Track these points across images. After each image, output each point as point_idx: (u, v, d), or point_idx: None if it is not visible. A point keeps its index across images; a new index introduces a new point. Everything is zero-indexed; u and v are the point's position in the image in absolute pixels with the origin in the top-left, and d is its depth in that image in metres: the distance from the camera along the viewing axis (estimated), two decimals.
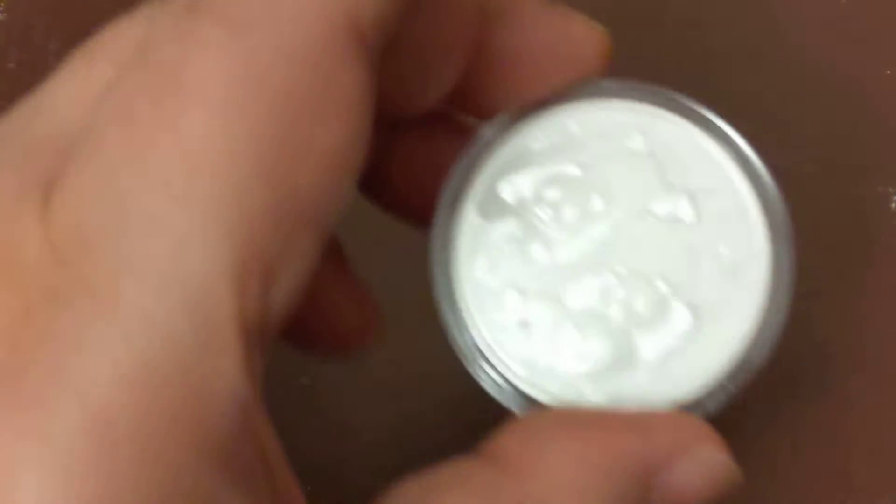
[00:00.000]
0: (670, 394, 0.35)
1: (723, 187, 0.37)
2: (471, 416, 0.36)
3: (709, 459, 0.32)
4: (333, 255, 0.37)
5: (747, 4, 0.50)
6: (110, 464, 0.21)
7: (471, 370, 0.36)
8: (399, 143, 0.39)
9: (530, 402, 0.35)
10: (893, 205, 0.48)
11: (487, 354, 0.36)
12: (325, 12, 0.26)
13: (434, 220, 0.36)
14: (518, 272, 0.36)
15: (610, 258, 0.36)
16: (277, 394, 0.28)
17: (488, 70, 0.36)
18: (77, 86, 0.27)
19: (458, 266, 0.36)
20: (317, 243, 0.27)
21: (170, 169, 0.24)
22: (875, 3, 0.49)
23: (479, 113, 0.37)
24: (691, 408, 0.35)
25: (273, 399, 0.27)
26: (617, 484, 0.29)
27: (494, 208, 0.37)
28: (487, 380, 0.35)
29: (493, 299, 0.36)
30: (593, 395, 0.35)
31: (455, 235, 0.36)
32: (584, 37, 0.37)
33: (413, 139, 0.39)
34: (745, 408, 0.38)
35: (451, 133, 0.39)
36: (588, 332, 0.36)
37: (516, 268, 0.36)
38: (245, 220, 0.24)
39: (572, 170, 0.37)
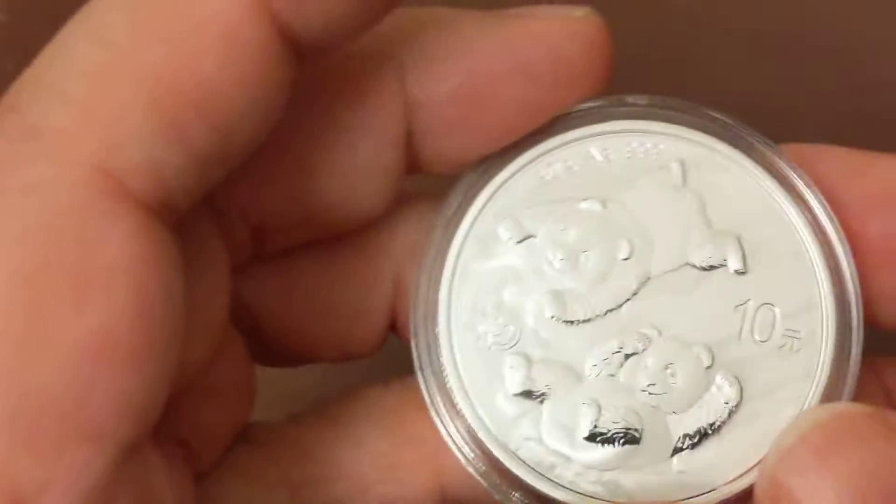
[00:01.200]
0: (699, 488, 0.28)
1: (778, 232, 0.30)
2: None
3: None
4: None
5: None
6: None
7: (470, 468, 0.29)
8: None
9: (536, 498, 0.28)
10: None
11: (486, 442, 0.29)
12: (73, 171, 0.23)
13: (413, 288, 0.29)
14: (522, 331, 0.29)
15: (638, 319, 0.29)
16: None
17: (436, 124, 0.29)
18: None
19: (450, 322, 0.29)
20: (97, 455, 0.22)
21: None
22: None
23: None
24: None
25: None
26: None
27: (495, 254, 0.29)
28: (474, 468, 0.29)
29: (488, 362, 0.29)
30: (604, 488, 0.28)
31: (446, 285, 0.29)
32: (556, 35, 0.28)
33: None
34: None
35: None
36: (609, 412, 0.29)
37: (519, 324, 0.29)
38: None
39: (592, 206, 0.30)
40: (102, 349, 0.22)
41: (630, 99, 0.30)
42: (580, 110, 0.30)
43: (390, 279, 0.31)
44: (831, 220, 0.29)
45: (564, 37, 0.28)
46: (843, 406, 0.28)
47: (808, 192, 0.30)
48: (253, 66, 0.24)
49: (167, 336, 0.23)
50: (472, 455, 0.29)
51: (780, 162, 0.30)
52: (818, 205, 0.29)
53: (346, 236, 0.30)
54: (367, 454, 0.30)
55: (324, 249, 0.31)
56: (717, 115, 0.30)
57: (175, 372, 0.24)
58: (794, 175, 0.30)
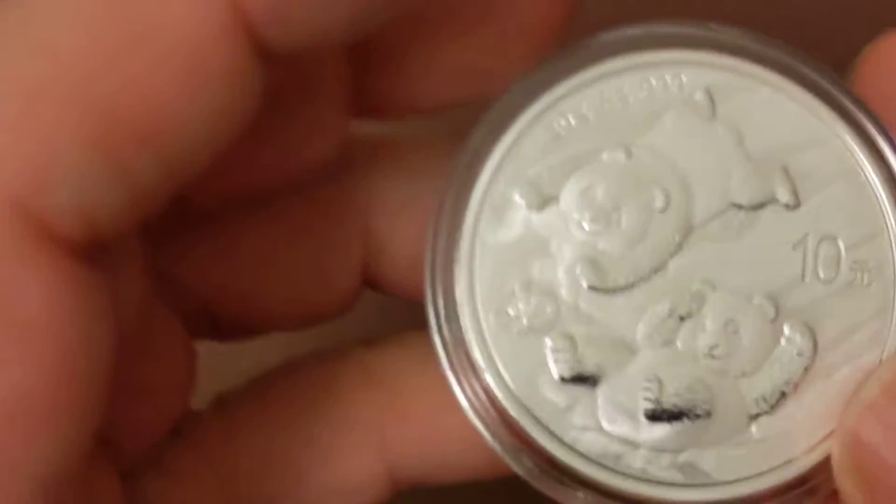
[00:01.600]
0: (785, 455, 0.25)
1: (826, 154, 0.26)
2: None
3: None
4: None
5: None
6: None
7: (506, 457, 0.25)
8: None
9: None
10: None
11: (538, 439, 0.25)
12: None
13: (426, 265, 0.25)
14: (559, 308, 0.25)
15: (687, 275, 0.25)
16: None
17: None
18: None
19: (475, 308, 0.25)
20: None
21: None
22: None
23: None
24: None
25: None
26: None
27: (516, 223, 0.26)
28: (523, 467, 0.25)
29: (525, 348, 0.25)
30: (681, 472, 0.25)
31: (463, 266, 0.25)
32: None
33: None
34: None
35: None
36: (672, 385, 0.25)
37: (555, 301, 0.25)
38: None
39: (616, 156, 0.26)
40: (17, 411, 0.20)
41: (633, 29, 0.26)
42: (581, 49, 0.26)
43: (358, 233, 0.28)
44: (881, 129, 0.26)
45: None
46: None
47: (851, 101, 0.26)
48: (220, 95, 0.21)
49: (92, 390, 0.21)
50: (526, 460, 0.25)
51: (814, 73, 0.26)
52: (864, 114, 0.26)
53: (296, 190, 0.27)
54: (302, 439, 0.27)
55: (271, 207, 0.27)
56: (732, 31, 0.27)
57: (100, 421, 0.21)
58: (833, 85, 0.26)
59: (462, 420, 0.25)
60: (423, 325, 0.26)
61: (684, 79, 0.26)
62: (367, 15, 0.22)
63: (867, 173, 0.26)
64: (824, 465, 0.25)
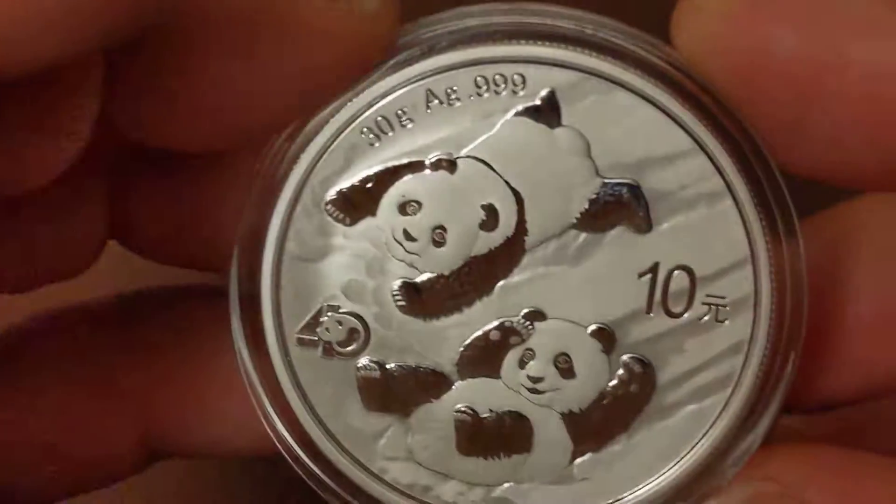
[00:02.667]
0: (608, 496, 0.24)
1: (688, 171, 0.22)
2: None
3: None
4: None
5: None
6: None
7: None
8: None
9: None
10: None
11: (345, 471, 0.24)
12: None
13: (231, 278, 0.23)
14: (371, 333, 0.23)
15: (516, 301, 0.23)
16: None
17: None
18: None
19: (280, 331, 0.23)
20: None
21: None
22: None
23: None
24: None
25: None
26: None
27: (326, 242, 0.23)
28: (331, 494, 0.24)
29: (332, 373, 0.23)
30: None
31: (266, 287, 0.23)
32: None
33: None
34: None
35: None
36: (489, 417, 0.23)
37: (366, 325, 0.23)
38: None
39: (441, 166, 0.23)
40: None
41: (470, 16, 0.22)
42: (406, 40, 0.22)
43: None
44: (756, 143, 0.22)
45: None
46: (740, 495, 0.22)
47: (722, 108, 0.22)
48: None
49: None
50: (331, 483, 0.24)
51: (684, 75, 0.22)
52: (737, 124, 0.22)
53: None
54: (48, 410, 0.25)
55: None
56: (588, 17, 0.22)
57: None
58: (704, 90, 0.22)
59: (232, 397, 0.24)
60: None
61: (525, 78, 0.22)
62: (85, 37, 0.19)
63: (736, 193, 0.22)
64: None
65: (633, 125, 0.22)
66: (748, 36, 0.22)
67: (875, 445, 0.25)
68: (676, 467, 0.23)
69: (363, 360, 0.23)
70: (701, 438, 0.23)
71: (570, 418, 0.23)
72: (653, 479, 0.23)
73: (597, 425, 0.23)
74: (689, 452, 0.23)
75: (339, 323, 0.23)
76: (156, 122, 0.22)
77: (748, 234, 0.22)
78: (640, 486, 0.23)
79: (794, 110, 0.22)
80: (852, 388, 0.25)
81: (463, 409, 0.23)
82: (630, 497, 0.23)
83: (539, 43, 0.22)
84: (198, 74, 0.21)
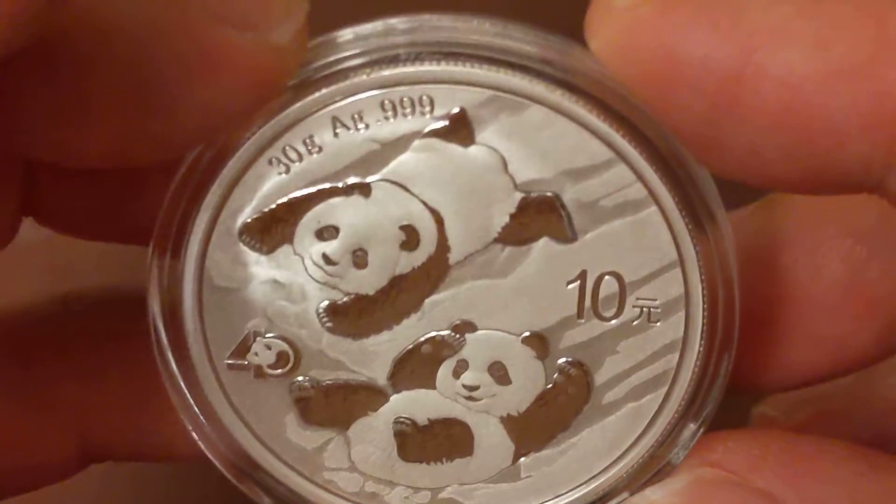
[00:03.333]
0: (553, 492, 0.24)
1: (609, 178, 0.22)
2: None
3: None
4: None
5: None
6: None
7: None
8: None
9: None
10: None
11: (290, 484, 0.24)
12: None
13: (150, 309, 0.23)
14: (302, 354, 0.23)
15: (445, 315, 0.23)
16: None
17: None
18: None
19: (209, 356, 0.23)
20: None
21: None
22: None
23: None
24: None
25: None
26: None
27: (246, 270, 0.23)
28: None
29: (266, 395, 0.23)
30: None
31: (190, 316, 0.23)
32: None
33: None
34: None
35: None
36: (427, 425, 0.23)
37: (296, 348, 0.23)
38: None
39: (354, 192, 0.22)
40: None
41: (368, 37, 0.21)
42: (310, 65, 0.21)
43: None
44: (675, 147, 0.21)
45: None
46: (683, 481, 0.22)
47: (639, 116, 0.21)
48: None
49: None
50: (276, 493, 0.24)
51: (600, 84, 0.21)
52: (655, 130, 0.21)
53: None
54: None
55: None
56: (492, 27, 0.21)
57: None
58: (616, 96, 0.21)
59: (170, 407, 0.24)
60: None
61: (434, 99, 0.21)
62: None
63: (659, 199, 0.22)
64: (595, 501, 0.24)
65: (548, 139, 0.21)
66: (659, 41, 0.20)
67: (853, 432, 0.25)
68: (619, 462, 0.23)
69: (296, 379, 0.23)
70: (641, 434, 0.23)
71: (509, 421, 0.23)
72: (596, 473, 0.23)
73: (537, 426, 0.23)
74: (630, 447, 0.23)
75: (268, 347, 0.23)
76: (48, 142, 0.21)
77: (674, 237, 0.22)
78: (585, 481, 0.23)
79: (708, 118, 0.21)
80: (820, 364, 0.25)
81: (401, 419, 0.23)
82: (575, 491, 0.23)
83: (445, 62, 0.21)
84: (92, 99, 0.20)
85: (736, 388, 0.23)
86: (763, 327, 0.24)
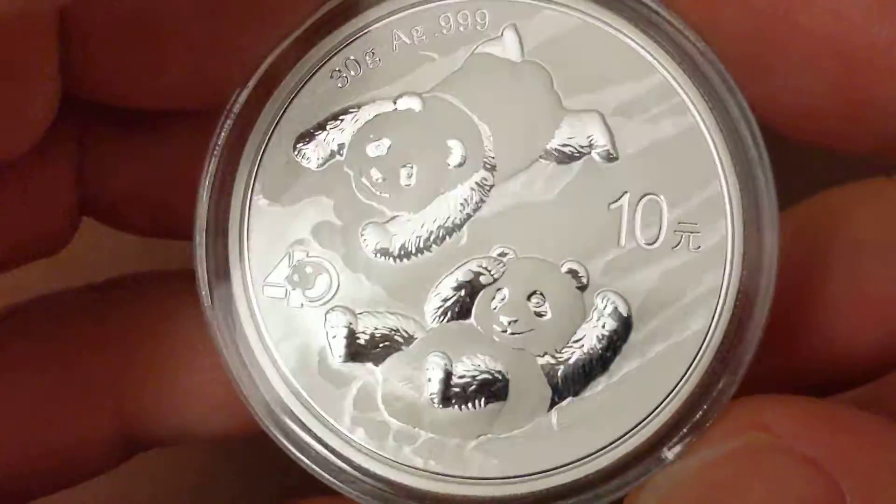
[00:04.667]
0: (588, 447, 0.22)
1: (651, 97, 0.22)
2: None
3: None
4: None
5: None
6: None
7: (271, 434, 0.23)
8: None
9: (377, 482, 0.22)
10: None
11: (314, 428, 0.23)
12: None
13: (196, 231, 0.23)
14: (339, 280, 0.23)
15: (486, 239, 0.22)
16: None
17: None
18: None
19: (246, 279, 0.23)
20: None
21: None
22: None
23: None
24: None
25: None
26: None
27: (294, 185, 0.23)
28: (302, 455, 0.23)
29: (300, 325, 0.22)
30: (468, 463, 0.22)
31: (234, 232, 0.23)
32: None
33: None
34: None
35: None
36: (462, 364, 0.22)
37: (335, 272, 0.23)
38: None
39: (408, 104, 0.23)
40: None
41: None
42: None
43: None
44: (717, 65, 0.22)
45: None
46: (706, 457, 0.22)
47: (676, 27, 0.22)
48: None
49: None
50: (303, 446, 0.23)
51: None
52: (697, 47, 0.22)
53: None
54: (22, 404, 0.25)
55: None
56: None
57: None
58: (656, 10, 0.22)
59: (206, 381, 0.24)
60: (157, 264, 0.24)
61: (487, 15, 0.23)
62: None
63: (697, 113, 0.22)
64: (635, 457, 0.22)
65: (593, 52, 0.22)
66: None
67: None
68: (661, 407, 0.22)
69: (332, 308, 0.23)
70: (683, 375, 0.22)
71: (546, 362, 0.22)
72: (637, 423, 0.22)
73: (574, 368, 0.22)
74: (672, 390, 0.22)
75: (308, 268, 0.23)
76: (118, 77, 0.23)
77: (714, 152, 0.22)
78: (625, 434, 0.22)
79: (755, 38, 0.22)
80: (830, 364, 0.24)
81: (435, 355, 0.22)
82: (613, 446, 0.22)
83: None
84: (159, 29, 0.22)
85: (757, 381, 0.23)
86: (775, 326, 0.24)
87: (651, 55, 0.22)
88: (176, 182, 0.25)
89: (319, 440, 0.23)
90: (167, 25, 0.23)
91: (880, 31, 0.21)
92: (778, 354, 0.24)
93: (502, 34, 0.23)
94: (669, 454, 0.22)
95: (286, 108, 0.23)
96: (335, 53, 0.23)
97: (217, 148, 0.23)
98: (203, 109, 0.24)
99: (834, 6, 0.21)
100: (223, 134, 0.23)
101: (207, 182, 0.23)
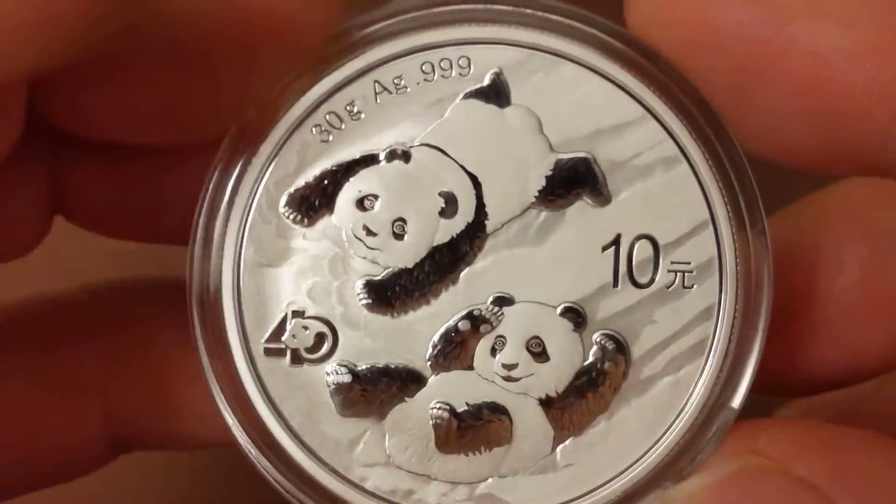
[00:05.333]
0: (593, 481, 0.23)
1: (642, 138, 0.22)
2: None
3: None
4: None
5: None
6: None
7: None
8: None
9: None
10: None
11: (322, 481, 0.23)
12: None
13: (190, 291, 0.23)
14: (337, 335, 0.23)
15: (482, 287, 0.23)
16: None
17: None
18: None
19: (242, 346, 0.23)
20: None
21: None
22: None
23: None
24: None
25: None
26: None
27: (285, 245, 0.23)
28: None
29: (302, 380, 0.23)
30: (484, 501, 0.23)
31: (228, 294, 0.23)
32: None
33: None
34: None
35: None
36: (465, 411, 0.23)
37: (332, 328, 0.23)
38: None
39: (395, 157, 0.23)
40: None
41: (413, 9, 0.22)
42: (346, 32, 0.22)
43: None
44: (706, 106, 0.22)
45: None
46: (702, 483, 0.22)
47: (667, 73, 0.22)
48: None
49: None
50: (309, 496, 0.23)
51: (625, 43, 0.22)
52: (683, 87, 0.22)
53: None
54: (10, 401, 0.25)
55: None
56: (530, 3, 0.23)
57: None
58: (647, 56, 0.22)
59: (194, 387, 0.24)
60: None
61: (471, 60, 0.22)
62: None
63: (689, 156, 0.22)
64: (636, 490, 0.23)
65: (582, 97, 0.22)
66: (693, 10, 0.22)
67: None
68: (659, 444, 0.23)
69: (333, 365, 0.23)
70: (680, 410, 0.23)
71: (547, 404, 0.23)
72: (637, 459, 0.23)
73: (575, 408, 0.23)
74: (670, 426, 0.23)
75: (306, 328, 0.23)
76: (93, 117, 0.22)
77: (706, 195, 0.22)
78: (625, 469, 0.23)
79: (737, 86, 0.22)
80: (839, 363, 0.25)
81: (439, 405, 0.23)
82: (614, 482, 0.23)
83: (481, 24, 0.22)
84: (146, 76, 0.21)
85: (761, 386, 0.23)
86: (785, 325, 0.24)
87: (641, 99, 0.22)
88: (154, 187, 0.24)
89: (329, 492, 0.23)
90: (139, 77, 0.22)
91: (859, 73, 0.21)
92: (782, 359, 0.25)
93: (487, 80, 0.22)
94: (670, 486, 0.23)
95: (270, 166, 0.22)
96: (316, 108, 0.22)
97: (203, 207, 0.22)
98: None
99: (812, 49, 0.21)
100: (208, 193, 0.22)
101: (198, 241, 0.23)
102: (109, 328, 0.26)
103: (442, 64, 0.22)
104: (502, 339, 0.23)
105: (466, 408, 0.23)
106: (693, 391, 0.23)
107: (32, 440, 0.25)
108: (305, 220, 0.23)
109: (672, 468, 0.23)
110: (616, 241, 0.22)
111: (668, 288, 0.23)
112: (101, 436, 0.26)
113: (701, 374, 0.23)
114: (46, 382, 0.25)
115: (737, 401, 0.23)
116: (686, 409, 0.23)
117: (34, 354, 0.25)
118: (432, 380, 0.23)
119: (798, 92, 0.22)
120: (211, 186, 0.22)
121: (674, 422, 0.23)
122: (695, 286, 0.23)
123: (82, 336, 0.26)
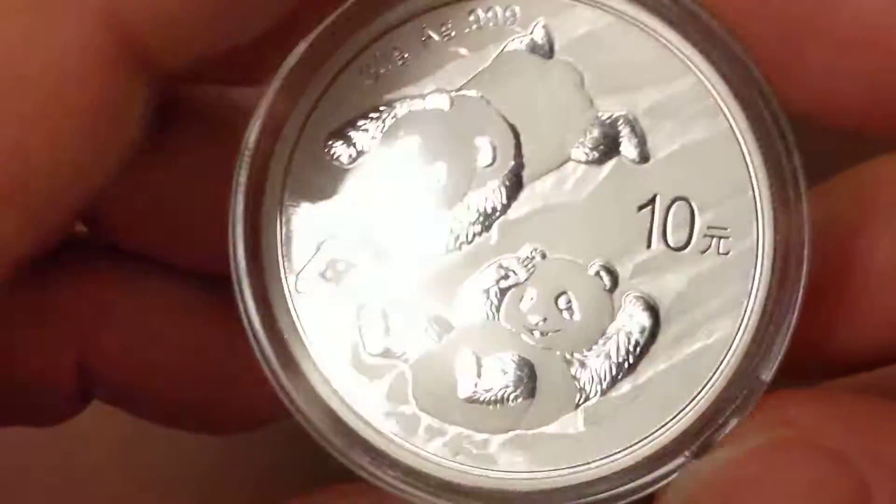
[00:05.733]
0: (615, 445, 0.23)
1: (683, 97, 0.22)
2: None
3: None
4: None
5: None
6: None
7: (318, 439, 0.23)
8: None
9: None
10: None
11: (345, 417, 0.23)
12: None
13: (230, 229, 0.23)
14: (369, 277, 0.23)
15: (514, 240, 0.23)
16: None
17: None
18: None
19: (279, 276, 0.23)
20: None
21: None
22: None
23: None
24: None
25: None
26: None
27: (325, 182, 0.23)
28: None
29: (332, 320, 0.23)
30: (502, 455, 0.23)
31: (268, 231, 0.23)
32: None
33: None
34: None
35: None
36: (491, 363, 0.23)
37: (364, 270, 0.23)
38: None
39: (436, 102, 0.23)
40: None
41: None
42: None
43: None
44: (752, 68, 0.22)
45: None
46: (730, 455, 0.22)
47: (711, 28, 0.22)
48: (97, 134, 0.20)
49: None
50: (328, 431, 0.23)
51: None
52: (733, 49, 0.22)
53: None
54: None
55: None
56: None
57: None
58: (689, 10, 0.22)
59: (174, 327, 0.24)
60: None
61: (518, 10, 0.22)
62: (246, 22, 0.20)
63: (730, 116, 0.22)
64: (659, 457, 0.23)
65: (625, 54, 0.22)
66: None
67: None
68: (686, 411, 0.22)
69: (363, 306, 0.23)
70: (710, 378, 0.22)
71: (573, 361, 0.23)
72: (661, 425, 0.22)
73: (601, 368, 0.23)
74: (698, 394, 0.22)
75: (340, 264, 0.23)
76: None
77: (746, 160, 0.22)
78: (649, 434, 0.22)
79: (786, 44, 0.22)
80: (872, 342, 0.24)
81: (465, 352, 0.23)
82: (638, 446, 0.23)
83: None
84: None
85: (794, 362, 0.23)
86: (820, 297, 0.24)
87: (684, 56, 0.22)
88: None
89: (350, 431, 0.23)
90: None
91: None
92: (817, 332, 0.24)
93: (532, 31, 0.22)
94: (693, 456, 0.22)
95: (316, 106, 0.23)
96: (364, 50, 0.23)
97: (248, 150, 0.23)
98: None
99: (864, 4, 0.21)
100: (253, 135, 0.23)
101: (241, 182, 0.23)
102: (100, 274, 0.26)
103: (490, 13, 0.22)
104: (531, 292, 0.23)
105: (492, 358, 0.23)
106: (724, 359, 0.22)
107: (3, 369, 0.25)
108: (346, 159, 0.23)
109: (697, 438, 0.22)
110: (652, 201, 0.22)
111: (702, 253, 0.22)
112: (71, 369, 0.25)
113: (732, 343, 0.22)
114: (20, 310, 0.25)
115: (768, 373, 0.22)
116: (716, 377, 0.22)
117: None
118: (459, 329, 0.23)
119: (849, 49, 0.21)
120: (256, 125, 0.23)
121: (702, 389, 0.22)
122: (730, 252, 0.22)
123: (61, 268, 0.25)
